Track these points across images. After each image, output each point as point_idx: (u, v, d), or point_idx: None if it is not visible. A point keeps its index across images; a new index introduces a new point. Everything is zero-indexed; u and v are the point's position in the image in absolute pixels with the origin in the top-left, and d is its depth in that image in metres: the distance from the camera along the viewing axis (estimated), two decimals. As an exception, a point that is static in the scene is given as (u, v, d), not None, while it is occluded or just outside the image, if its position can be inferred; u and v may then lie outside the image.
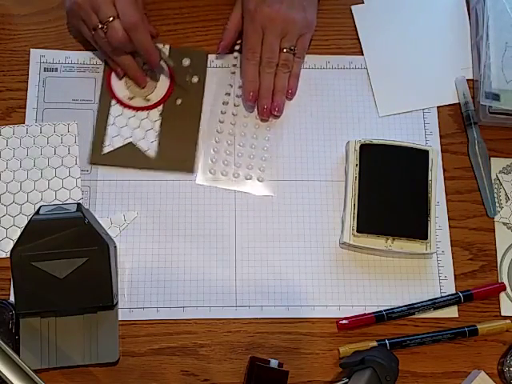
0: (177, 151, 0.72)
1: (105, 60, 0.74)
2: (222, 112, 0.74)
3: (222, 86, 0.75)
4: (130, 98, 0.73)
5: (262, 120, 0.74)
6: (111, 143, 0.72)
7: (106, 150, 0.71)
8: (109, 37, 0.66)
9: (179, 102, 0.74)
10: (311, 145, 0.74)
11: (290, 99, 0.75)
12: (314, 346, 0.67)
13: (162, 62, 0.73)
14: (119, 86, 0.74)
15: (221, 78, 0.76)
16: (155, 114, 0.73)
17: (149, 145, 0.72)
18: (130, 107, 0.73)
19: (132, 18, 0.65)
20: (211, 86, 0.75)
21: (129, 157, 0.71)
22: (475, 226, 0.72)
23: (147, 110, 0.73)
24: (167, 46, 0.75)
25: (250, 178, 0.72)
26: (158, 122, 0.73)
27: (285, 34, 0.71)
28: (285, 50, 0.72)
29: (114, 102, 0.73)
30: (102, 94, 0.73)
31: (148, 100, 0.74)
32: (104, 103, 0.73)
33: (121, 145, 0.72)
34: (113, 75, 0.74)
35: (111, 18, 0.65)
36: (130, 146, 0.72)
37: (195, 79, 0.75)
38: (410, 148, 0.71)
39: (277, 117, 0.74)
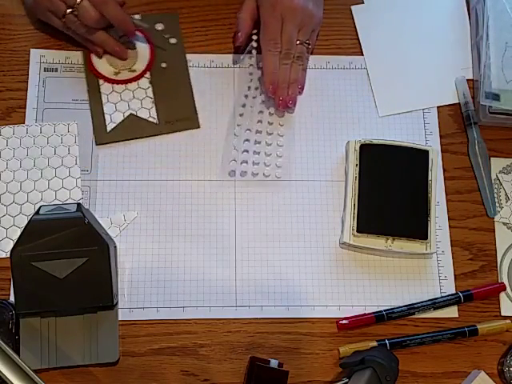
0: (177, 111, 0.74)
1: (81, 44, 0.74)
2: (240, 110, 0.75)
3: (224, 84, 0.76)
4: (116, 74, 0.74)
5: (277, 113, 0.74)
6: (112, 120, 0.72)
7: (110, 127, 0.72)
8: (82, 18, 0.67)
9: (164, 65, 0.75)
10: (311, 145, 0.74)
11: (301, 94, 0.74)
12: (314, 346, 0.67)
13: (137, 33, 0.74)
14: (102, 65, 0.74)
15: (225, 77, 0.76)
16: (145, 82, 0.74)
17: (148, 112, 0.73)
18: (118, 82, 0.74)
19: None
20: (216, 86, 0.75)
21: (134, 128, 0.73)
22: (475, 226, 0.72)
23: (135, 80, 0.74)
24: (137, 16, 0.76)
25: (269, 176, 0.72)
26: (150, 89, 0.74)
27: (302, 26, 0.71)
28: (299, 42, 0.71)
29: (101, 81, 0.74)
30: (88, 77, 0.74)
31: (134, 71, 0.74)
32: (92, 85, 0.74)
33: (122, 119, 0.73)
34: (93, 56, 0.74)
35: (79, 0, 0.65)
36: (132, 117, 0.73)
37: (173, 40, 0.76)
38: (410, 148, 0.71)
39: (291, 109, 0.74)
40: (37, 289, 0.58)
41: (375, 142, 0.71)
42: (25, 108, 0.72)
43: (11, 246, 0.59)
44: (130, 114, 0.73)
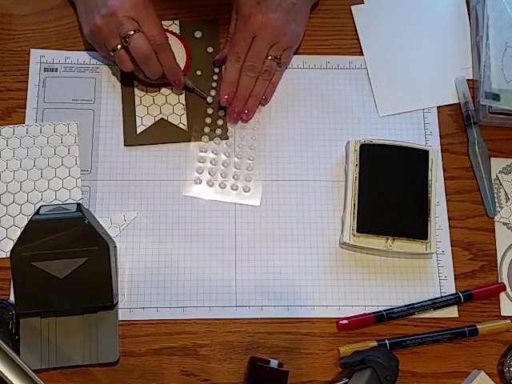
0: (207, 121, 0.73)
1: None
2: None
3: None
4: None
5: (229, 122, 0.74)
6: (143, 123, 0.73)
7: (140, 129, 0.72)
8: (132, 49, 0.65)
9: (199, 73, 0.75)
10: (311, 145, 0.74)
11: (263, 105, 0.75)
12: (314, 346, 0.67)
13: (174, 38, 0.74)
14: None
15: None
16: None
17: (179, 118, 0.73)
18: (152, 86, 0.74)
19: (160, 38, 0.66)
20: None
21: (163, 133, 0.73)
22: (475, 226, 0.72)
23: (170, 85, 0.74)
24: (177, 22, 0.76)
25: (250, 180, 0.72)
26: (183, 96, 0.74)
27: (274, 43, 0.71)
28: (270, 58, 0.71)
29: (136, 83, 0.74)
30: (123, 78, 0.74)
31: None
32: (127, 86, 0.74)
33: (153, 122, 0.73)
34: None
35: (132, 32, 0.65)
36: (162, 122, 0.73)
37: (210, 49, 0.76)
38: (410, 148, 0.71)
39: (245, 121, 0.74)
40: (37, 289, 0.58)
41: (375, 141, 0.71)
42: (25, 108, 0.72)
43: (11, 246, 0.59)
44: (161, 118, 0.73)
